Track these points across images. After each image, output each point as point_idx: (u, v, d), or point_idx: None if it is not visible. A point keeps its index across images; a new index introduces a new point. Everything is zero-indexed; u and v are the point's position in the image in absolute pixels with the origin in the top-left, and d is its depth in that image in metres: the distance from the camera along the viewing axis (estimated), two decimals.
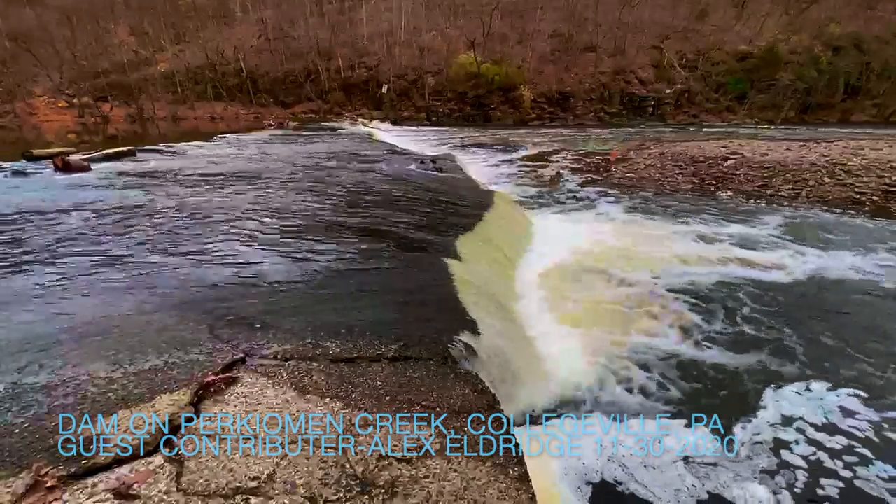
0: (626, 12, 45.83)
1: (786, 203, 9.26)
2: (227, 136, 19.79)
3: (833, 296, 5.18)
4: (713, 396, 3.39)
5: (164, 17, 54.48)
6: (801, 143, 14.28)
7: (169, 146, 13.90)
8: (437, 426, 1.87)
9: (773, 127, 34.59)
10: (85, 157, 9.68)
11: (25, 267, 3.76)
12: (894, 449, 2.87)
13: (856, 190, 9.41)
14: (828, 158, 11.43)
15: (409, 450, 1.71)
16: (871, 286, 5.41)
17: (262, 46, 50.64)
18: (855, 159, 11.13)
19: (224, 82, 47.27)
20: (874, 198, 9.02)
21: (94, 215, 5.44)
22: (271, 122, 34.74)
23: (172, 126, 33.92)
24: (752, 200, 9.53)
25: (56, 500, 1.40)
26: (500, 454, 1.75)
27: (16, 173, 8.23)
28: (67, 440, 1.66)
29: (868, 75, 41.51)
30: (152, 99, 43.74)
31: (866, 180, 9.75)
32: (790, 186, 10.00)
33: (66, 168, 8.47)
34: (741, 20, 46.58)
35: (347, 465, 1.61)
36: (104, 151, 10.84)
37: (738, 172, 11.10)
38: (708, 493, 2.50)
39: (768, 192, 9.94)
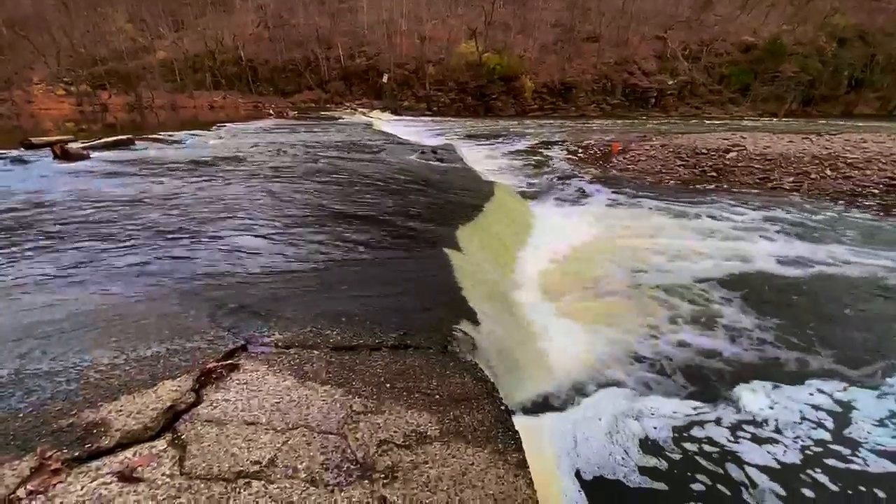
0: (630, 2, 45.31)
1: (787, 195, 9.24)
2: (227, 125, 19.71)
3: (833, 290, 5.19)
4: (713, 387, 3.42)
5: (162, 3, 53.85)
6: (804, 136, 14.22)
7: (168, 135, 13.84)
8: (436, 413, 1.89)
9: (775, 119, 34.43)
10: (84, 145, 9.64)
11: (25, 255, 3.76)
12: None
13: (858, 183, 9.39)
14: (830, 151, 11.39)
15: (408, 436, 1.73)
16: (872, 280, 5.41)
17: (261, 34, 50.17)
18: (857, 152, 11.09)
19: (223, 71, 46.92)
20: (875, 191, 9.01)
21: (93, 204, 5.43)
22: (271, 111, 34.54)
23: (171, 115, 33.68)
24: (753, 193, 9.51)
25: (60, 482, 1.42)
26: (499, 441, 1.77)
27: (14, 162, 8.20)
28: (71, 424, 1.68)
29: (872, 68, 41.20)
30: (151, 87, 43.41)
31: (868, 173, 9.72)
32: (792, 179, 9.98)
33: (65, 156, 8.44)
34: (745, 11, 46.06)
35: (348, 451, 1.63)
36: (103, 140, 10.80)
37: (739, 165, 11.06)
38: (705, 483, 2.54)
39: (770, 184, 9.91)
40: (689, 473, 2.58)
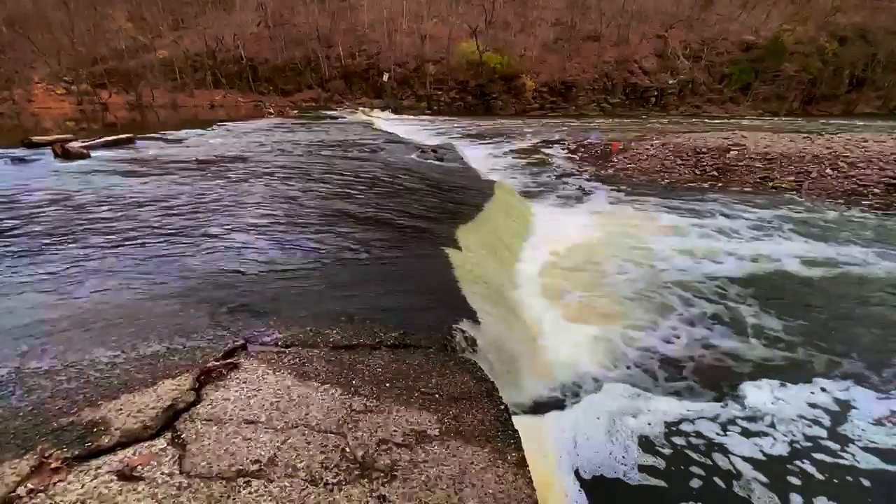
0: (630, 1, 45.21)
1: (788, 194, 9.23)
2: (227, 124, 19.69)
3: (834, 289, 5.19)
4: (717, 385, 3.42)
5: (162, 2, 53.83)
6: (805, 135, 14.19)
7: (168, 134, 13.84)
8: (436, 412, 1.89)
9: (776, 118, 34.39)
10: (84, 144, 9.64)
11: (26, 254, 3.76)
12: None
13: (858, 182, 9.37)
14: (830, 150, 11.36)
15: (408, 435, 1.73)
16: (872, 279, 5.41)
17: (261, 33, 50.09)
18: (857, 151, 11.06)
19: (223, 69, 46.83)
20: (876, 190, 8.99)
21: (93, 202, 5.43)
22: (271, 110, 34.48)
23: (171, 114, 33.60)
24: (754, 192, 9.50)
25: (60, 481, 1.43)
26: (499, 440, 1.77)
27: (15, 160, 8.20)
28: (71, 423, 1.68)
29: (874, 67, 41.11)
30: (151, 86, 43.35)
31: (868, 173, 9.70)
32: (792, 178, 9.96)
33: (66, 155, 8.44)
34: (746, 10, 45.95)
35: (347, 450, 1.63)
36: (103, 139, 10.79)
37: (740, 164, 11.04)
38: (707, 481, 2.54)
39: (770, 183, 9.90)
40: (690, 472, 2.58)
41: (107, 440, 1.60)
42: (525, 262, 5.60)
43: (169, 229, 4.48)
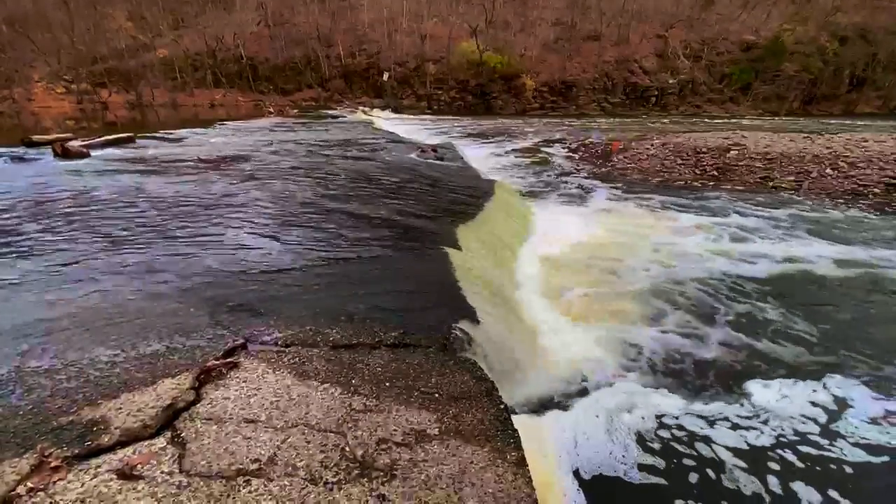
0: (630, 0, 45.19)
1: (789, 194, 9.23)
2: (227, 123, 19.71)
3: (835, 288, 5.19)
4: (710, 382, 3.41)
5: (161, 1, 53.83)
6: (805, 135, 14.19)
7: (168, 133, 13.85)
8: (435, 411, 1.89)
9: (776, 118, 34.38)
10: (84, 143, 9.63)
11: (26, 253, 3.76)
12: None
13: (858, 182, 9.37)
14: (830, 150, 11.36)
15: (407, 434, 1.74)
16: (872, 279, 5.41)
17: (261, 33, 50.11)
18: (858, 151, 11.06)
19: (223, 69, 46.85)
20: (876, 190, 8.99)
21: (93, 202, 5.43)
22: (271, 109, 34.47)
23: (172, 113, 33.60)
24: (753, 191, 9.50)
25: (60, 480, 1.43)
26: (498, 439, 1.77)
27: (15, 159, 8.20)
28: (71, 422, 1.68)
29: (874, 66, 41.13)
30: (151, 85, 43.36)
31: (868, 172, 9.70)
32: (792, 178, 9.96)
33: (66, 154, 8.44)
34: (747, 9, 45.94)
35: (347, 449, 1.63)
36: (103, 138, 10.79)
37: (740, 164, 11.04)
38: (707, 479, 2.54)
39: (771, 183, 9.90)
40: (690, 470, 2.58)
41: (107, 439, 1.60)
42: (525, 261, 5.60)
43: (168, 228, 4.48)
